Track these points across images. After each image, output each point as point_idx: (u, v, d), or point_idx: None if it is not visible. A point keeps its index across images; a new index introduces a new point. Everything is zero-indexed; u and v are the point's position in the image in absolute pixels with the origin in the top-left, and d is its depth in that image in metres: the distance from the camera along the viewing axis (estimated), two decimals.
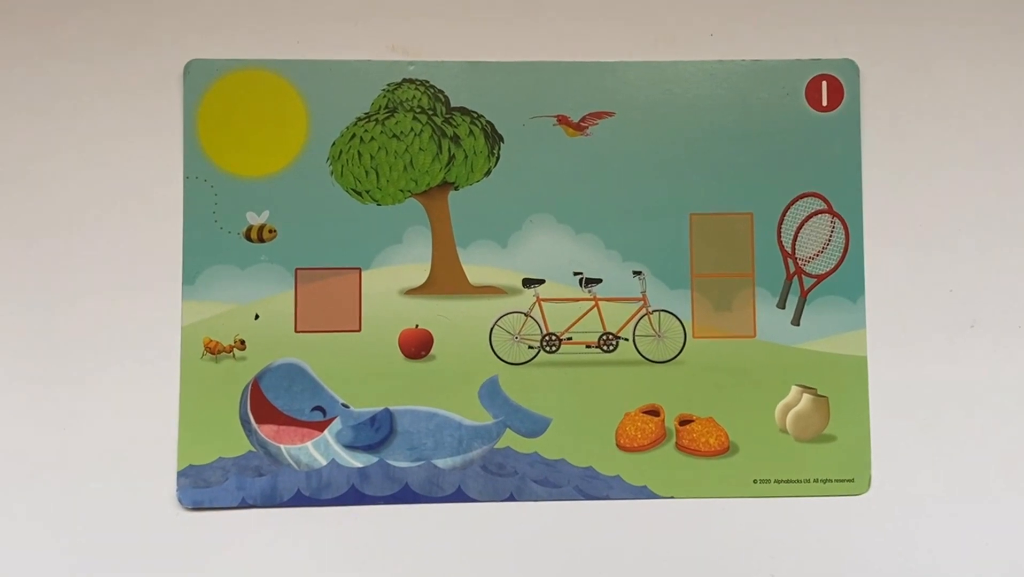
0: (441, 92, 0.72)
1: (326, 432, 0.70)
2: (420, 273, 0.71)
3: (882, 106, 0.72)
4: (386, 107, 0.71)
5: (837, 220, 0.72)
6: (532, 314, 0.71)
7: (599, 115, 0.72)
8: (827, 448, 0.71)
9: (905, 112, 0.72)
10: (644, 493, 0.70)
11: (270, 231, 0.70)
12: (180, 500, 0.69)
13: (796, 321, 0.71)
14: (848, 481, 0.70)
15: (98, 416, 0.69)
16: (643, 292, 0.71)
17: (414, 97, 0.72)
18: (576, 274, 0.71)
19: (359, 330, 0.70)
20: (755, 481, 0.70)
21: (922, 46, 0.73)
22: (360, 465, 0.70)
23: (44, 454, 0.69)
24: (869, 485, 0.71)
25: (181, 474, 0.69)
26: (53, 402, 0.69)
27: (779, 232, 0.72)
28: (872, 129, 0.72)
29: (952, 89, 0.73)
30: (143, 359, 0.69)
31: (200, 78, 0.71)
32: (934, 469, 0.71)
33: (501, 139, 0.72)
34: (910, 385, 0.71)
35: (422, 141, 0.71)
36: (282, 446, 0.70)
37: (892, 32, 0.73)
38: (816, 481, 0.70)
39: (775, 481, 0.70)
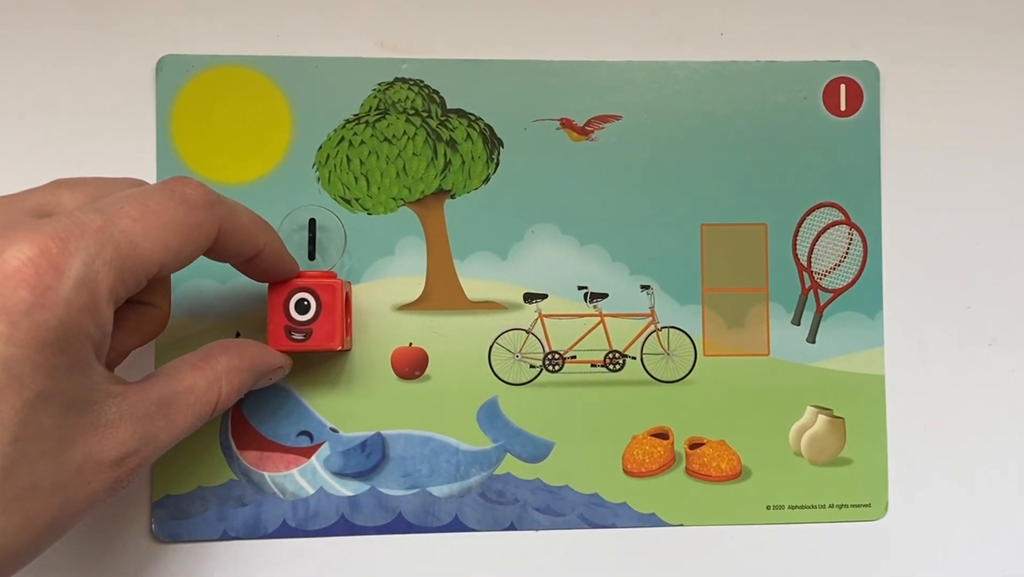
0: (436, 93, 0.67)
1: (313, 458, 0.65)
2: (414, 287, 0.66)
3: (903, 111, 0.68)
4: (377, 108, 0.66)
5: (855, 231, 0.68)
6: (534, 331, 0.67)
7: (605, 118, 0.67)
8: (843, 472, 0.67)
9: (927, 118, 0.69)
10: (652, 521, 0.66)
11: None
12: (156, 533, 0.64)
13: (812, 338, 0.68)
14: (865, 506, 0.67)
15: None
16: (651, 307, 0.67)
17: (407, 98, 0.67)
18: (581, 288, 0.67)
19: (348, 348, 0.66)
20: (768, 507, 0.67)
21: (945, 48, 0.69)
22: (350, 493, 0.65)
23: None
24: (886, 510, 0.67)
25: (157, 505, 0.64)
26: None
27: (794, 244, 0.68)
28: (892, 136, 0.68)
29: (977, 94, 0.69)
30: None
31: (174, 76, 0.65)
32: (953, 493, 0.68)
33: (501, 144, 0.67)
34: (929, 406, 0.68)
35: (416, 145, 0.66)
36: (266, 474, 0.65)
37: (914, 33, 0.69)
38: (831, 506, 0.67)
39: (789, 507, 0.67)
